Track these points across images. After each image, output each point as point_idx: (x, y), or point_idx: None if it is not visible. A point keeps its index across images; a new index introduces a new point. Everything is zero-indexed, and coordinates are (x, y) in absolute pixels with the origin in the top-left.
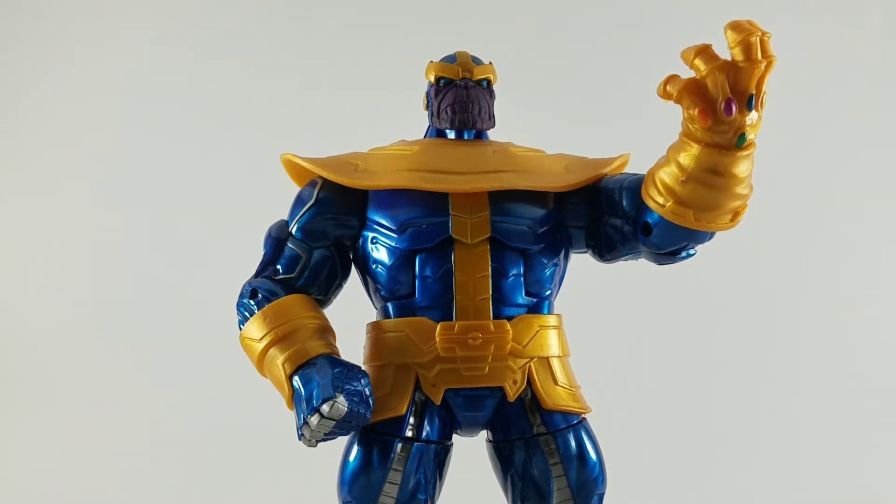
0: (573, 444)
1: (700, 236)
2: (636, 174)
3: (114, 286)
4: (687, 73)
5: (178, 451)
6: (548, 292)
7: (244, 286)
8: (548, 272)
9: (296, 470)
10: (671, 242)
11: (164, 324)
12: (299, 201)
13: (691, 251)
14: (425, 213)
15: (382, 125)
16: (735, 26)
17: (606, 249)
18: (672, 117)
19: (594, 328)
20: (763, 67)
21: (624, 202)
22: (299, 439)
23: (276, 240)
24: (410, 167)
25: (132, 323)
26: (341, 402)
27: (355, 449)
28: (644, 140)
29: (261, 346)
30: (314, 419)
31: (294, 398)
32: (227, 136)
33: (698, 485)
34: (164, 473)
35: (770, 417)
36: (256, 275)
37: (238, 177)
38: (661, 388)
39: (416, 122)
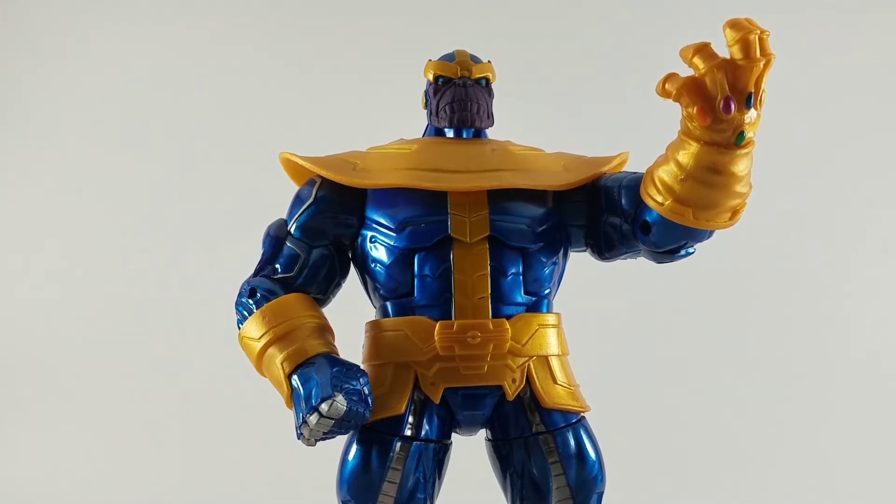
0: (572, 442)
1: (699, 235)
2: (635, 173)
3: (112, 285)
4: (686, 72)
5: (177, 451)
6: (547, 291)
7: (243, 285)
8: (547, 271)
9: (295, 469)
10: (670, 241)
11: (163, 323)
12: (298, 200)
13: (690, 250)
14: (424, 212)
15: (381, 124)
16: (734, 24)
17: (605, 248)
18: (671, 116)
19: (593, 327)
20: (762, 66)
21: (623, 201)
22: (298, 438)
23: (275, 239)
24: (409, 166)
25: (131, 322)
26: (340, 401)
27: (354, 448)
28: (643, 139)
29: (259, 345)
30: (313, 418)
31: (293, 397)
32: (225, 135)
33: (698, 484)
34: (162, 473)
35: (770, 417)
36: (255, 274)
37: (237, 176)
38: (660, 386)
39: (414, 121)
